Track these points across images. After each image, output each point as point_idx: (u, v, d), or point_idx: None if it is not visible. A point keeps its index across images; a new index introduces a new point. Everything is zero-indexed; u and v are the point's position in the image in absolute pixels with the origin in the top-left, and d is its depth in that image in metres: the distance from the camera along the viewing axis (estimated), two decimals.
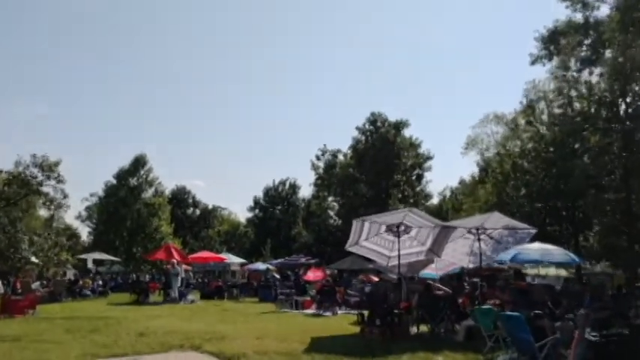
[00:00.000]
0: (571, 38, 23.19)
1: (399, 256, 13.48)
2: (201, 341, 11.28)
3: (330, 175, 34.60)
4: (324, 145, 35.53)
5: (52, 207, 20.86)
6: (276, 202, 70.04)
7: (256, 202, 71.27)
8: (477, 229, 14.01)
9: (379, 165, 32.95)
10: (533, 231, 14.43)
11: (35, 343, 10.93)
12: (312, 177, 45.32)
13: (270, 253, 54.86)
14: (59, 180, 20.11)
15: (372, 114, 34.27)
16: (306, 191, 68.13)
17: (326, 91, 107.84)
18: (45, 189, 20.20)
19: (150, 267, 45.42)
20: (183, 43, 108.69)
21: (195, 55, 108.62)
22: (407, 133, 34.16)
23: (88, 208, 54.10)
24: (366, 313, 13.40)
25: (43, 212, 24.06)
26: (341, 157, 36.90)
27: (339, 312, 18.78)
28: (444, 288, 14.09)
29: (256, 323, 15.04)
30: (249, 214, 72.10)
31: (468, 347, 10.55)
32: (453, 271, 19.11)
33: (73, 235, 63.78)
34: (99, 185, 52.64)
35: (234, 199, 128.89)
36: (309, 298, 20.96)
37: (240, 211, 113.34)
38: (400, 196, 34.55)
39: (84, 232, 60.95)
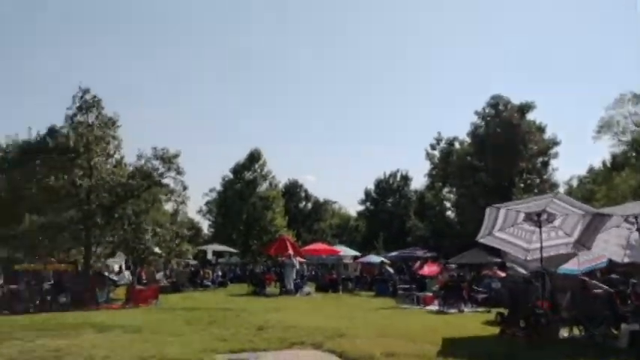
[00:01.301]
0: None
1: (541, 248, 11.78)
2: (322, 338, 10.45)
3: (447, 165, 32.57)
4: (439, 132, 33.38)
5: (173, 198, 21.32)
6: (388, 195, 68.69)
7: (367, 194, 70.42)
8: (637, 218, 11.90)
9: (501, 152, 30.41)
10: None
11: (155, 335, 10.72)
12: (425, 167, 43.53)
13: (383, 246, 53.78)
14: (179, 172, 20.47)
15: (493, 97, 31.67)
16: (417, 183, 66.20)
17: (439, 78, 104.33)
18: (165, 181, 20.66)
19: (265, 259, 46.15)
20: (296, 40, 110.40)
21: (304, 52, 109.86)
22: (531, 116, 31.22)
23: (208, 203, 56.28)
24: (505, 311, 11.87)
25: (168, 207, 24.95)
26: (457, 145, 34.64)
27: (465, 309, 17.25)
28: (603, 286, 12.11)
29: (377, 319, 14.02)
30: (360, 207, 71.50)
31: (635, 356, 8.80)
32: (598, 266, 16.80)
33: (194, 228, 67.03)
34: (218, 182, 54.50)
35: (344, 193, 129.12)
36: (430, 294, 19.58)
37: (350, 205, 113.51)
38: (523, 185, 31.77)
39: (205, 226, 63.57)
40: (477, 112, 31.59)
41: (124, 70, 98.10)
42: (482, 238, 12.89)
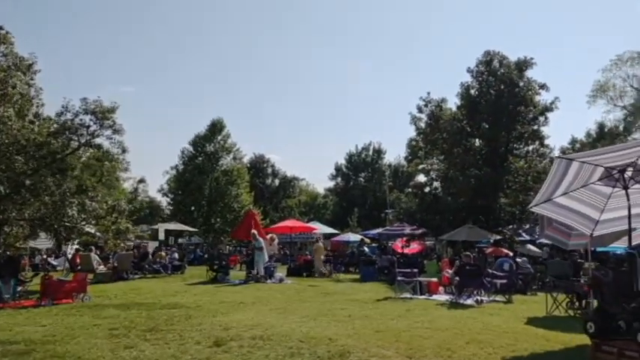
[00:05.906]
0: None
1: (629, 218, 8.11)
2: None
3: (433, 130, 28.86)
4: (428, 93, 29.16)
5: (107, 162, 16.78)
6: (360, 169, 65.22)
7: (338, 169, 66.85)
8: None
9: (497, 114, 26.84)
10: None
11: None
12: (399, 140, 39.45)
13: (357, 223, 50.37)
14: (115, 129, 15.95)
15: (487, 52, 27.94)
16: (391, 156, 63.28)
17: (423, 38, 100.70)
18: (99, 140, 16.13)
19: (229, 239, 42.14)
20: (261, 19, 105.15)
21: (268, 26, 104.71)
22: (530, 75, 27.36)
23: (168, 181, 51.31)
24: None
25: (126, 185, 20.32)
26: (442, 108, 30.62)
27: (484, 299, 13.62)
28: None
29: (385, 320, 10.13)
30: (329, 184, 68.23)
31: None
32: None
33: (155, 206, 61.96)
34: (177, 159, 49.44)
35: (310, 172, 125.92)
36: (434, 280, 15.90)
37: (317, 181, 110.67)
38: (525, 149, 28.06)
39: (164, 203, 58.60)
40: (469, 70, 27.80)
41: (79, 46, 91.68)
42: (536, 206, 9.10)
